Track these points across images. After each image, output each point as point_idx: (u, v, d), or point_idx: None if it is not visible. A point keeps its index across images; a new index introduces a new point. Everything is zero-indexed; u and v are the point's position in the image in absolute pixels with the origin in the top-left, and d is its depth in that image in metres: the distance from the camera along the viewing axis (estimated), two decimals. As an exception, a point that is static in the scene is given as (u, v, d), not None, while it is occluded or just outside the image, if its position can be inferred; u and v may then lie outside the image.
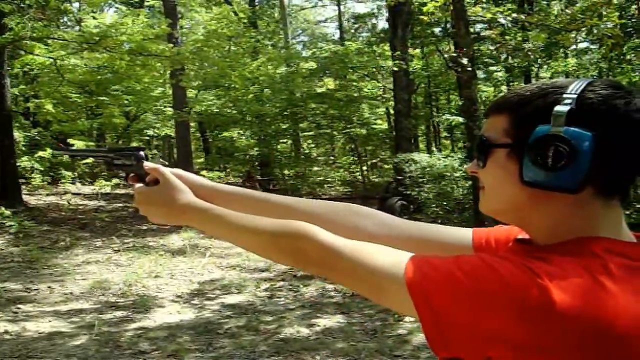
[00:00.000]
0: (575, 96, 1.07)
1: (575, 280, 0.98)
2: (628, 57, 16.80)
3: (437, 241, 1.42)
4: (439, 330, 1.01)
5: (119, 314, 8.13)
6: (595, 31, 9.69)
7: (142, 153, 1.64)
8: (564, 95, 1.08)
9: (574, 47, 19.07)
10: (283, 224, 1.28)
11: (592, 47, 18.54)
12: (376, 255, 1.14)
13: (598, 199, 1.09)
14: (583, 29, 9.92)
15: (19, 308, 8.36)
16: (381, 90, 25.42)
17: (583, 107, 1.06)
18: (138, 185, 1.56)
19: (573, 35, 10.85)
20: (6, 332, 7.28)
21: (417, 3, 17.19)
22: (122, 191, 22.01)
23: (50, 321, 7.75)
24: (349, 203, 1.59)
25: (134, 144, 32.23)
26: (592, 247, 1.06)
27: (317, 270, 1.23)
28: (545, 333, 0.95)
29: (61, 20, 25.22)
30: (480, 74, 19.21)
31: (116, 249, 12.45)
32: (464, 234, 1.42)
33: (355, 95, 22.87)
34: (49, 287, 9.62)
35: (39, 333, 7.25)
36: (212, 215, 1.39)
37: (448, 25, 20.23)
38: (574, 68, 19.46)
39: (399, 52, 17.81)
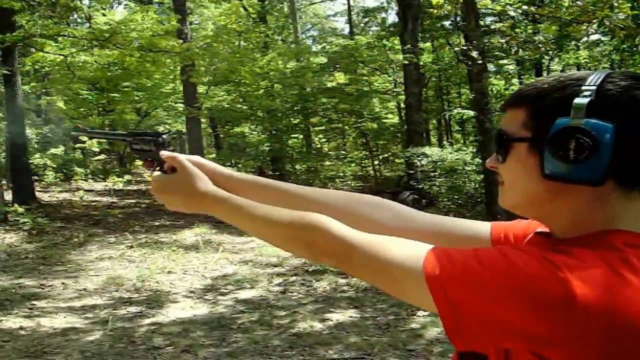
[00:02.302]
0: (594, 88, 1.06)
1: (596, 273, 0.98)
2: (640, 48, 16.68)
3: (454, 234, 1.42)
4: (457, 323, 1.01)
5: (132, 309, 8.17)
6: (607, 23, 9.63)
7: (161, 139, 1.62)
8: (583, 87, 1.07)
9: (585, 39, 18.97)
10: (298, 215, 1.27)
11: (603, 39, 18.40)
12: (393, 248, 1.13)
13: (618, 192, 1.08)
14: (594, 20, 9.86)
15: (33, 304, 8.42)
16: (392, 84, 25.35)
17: (603, 99, 1.05)
18: (156, 172, 1.56)
19: (584, 27, 10.79)
20: (21, 328, 7.33)
21: (427, -4, 17.13)
22: (135, 187, 22.10)
23: (64, 317, 7.80)
24: (365, 194, 1.59)
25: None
26: (612, 240, 1.05)
27: (332, 262, 1.22)
28: (565, 327, 0.94)
29: (71, 18, 25.30)
30: (490, 67, 19.12)
31: (129, 245, 12.50)
32: (482, 228, 1.42)
33: (366, 89, 22.83)
34: (63, 283, 9.67)
35: (54, 329, 7.30)
36: (230, 204, 1.39)
37: (458, 19, 20.12)
38: (585, 60, 19.34)
39: (409, 46, 17.76)
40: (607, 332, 0.95)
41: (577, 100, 1.06)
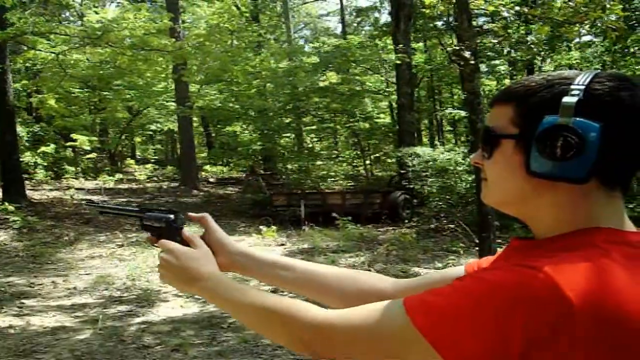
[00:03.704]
0: (583, 87, 1.07)
1: (581, 271, 0.99)
2: (632, 50, 16.75)
3: (443, 281, 1.43)
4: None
5: (122, 308, 8.14)
6: (598, 24, 9.65)
7: (172, 216, 1.62)
8: (572, 87, 1.08)
9: (577, 40, 19.01)
10: (272, 308, 1.26)
11: (595, 40, 18.46)
12: (368, 313, 1.14)
13: (601, 190, 1.10)
14: (586, 21, 9.87)
15: (23, 303, 8.38)
16: (384, 84, 25.37)
17: (590, 99, 1.06)
18: (166, 242, 1.54)
19: (576, 28, 10.81)
20: (11, 326, 7.29)
21: (419, -4, 17.14)
22: (126, 186, 22.05)
23: (54, 316, 7.77)
24: (374, 272, 1.61)
25: (137, 140, 32.27)
26: (593, 238, 1.07)
27: (318, 354, 1.20)
28: (554, 326, 0.95)
29: (63, 15, 25.25)
30: (483, 67, 19.13)
31: (120, 243, 12.46)
32: (459, 271, 1.42)
33: (358, 89, 22.83)
34: (53, 281, 9.64)
35: (43, 328, 7.26)
36: (222, 291, 1.39)
37: (450, 19, 20.15)
38: (577, 61, 19.40)
39: (401, 46, 17.77)
40: (598, 329, 0.95)
41: (565, 99, 1.07)
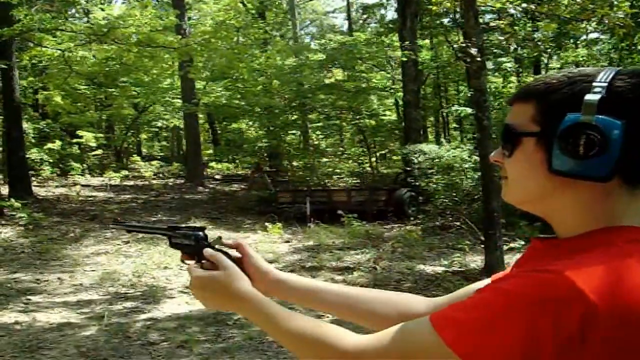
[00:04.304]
0: (605, 85, 1.06)
1: (600, 272, 0.98)
2: (639, 47, 16.67)
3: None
4: None
5: (128, 305, 8.16)
6: (606, 21, 9.61)
7: (201, 234, 1.60)
8: (594, 84, 1.07)
9: (584, 37, 18.96)
10: (309, 332, 1.27)
11: (602, 37, 18.40)
12: (397, 336, 1.14)
13: (623, 188, 1.08)
14: (594, 18, 9.84)
15: (29, 299, 8.40)
16: (390, 81, 25.33)
17: (613, 96, 1.05)
18: (195, 269, 1.52)
19: (583, 25, 10.78)
20: (17, 322, 7.32)
21: (426, -7, 17.10)
22: (131, 183, 22.07)
23: (60, 312, 7.79)
24: (409, 294, 1.58)
25: (143, 136, 32.31)
26: (615, 237, 1.05)
27: None
28: (581, 327, 0.94)
29: (69, 12, 25.25)
30: (489, 64, 19.08)
31: (125, 240, 12.48)
32: (485, 283, 1.41)
33: (364, 86, 22.80)
34: (59, 278, 9.66)
35: (50, 324, 7.28)
36: (261, 314, 1.38)
37: (457, 16, 20.11)
38: (584, 59, 19.33)
39: (407, 43, 17.73)
40: (620, 326, 0.94)
41: (588, 97, 1.06)
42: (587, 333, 0.94)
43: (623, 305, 0.95)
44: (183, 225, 1.70)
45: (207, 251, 1.53)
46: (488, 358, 0.99)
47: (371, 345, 1.16)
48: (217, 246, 1.56)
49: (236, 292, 1.43)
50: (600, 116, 1.04)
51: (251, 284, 1.47)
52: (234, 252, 1.57)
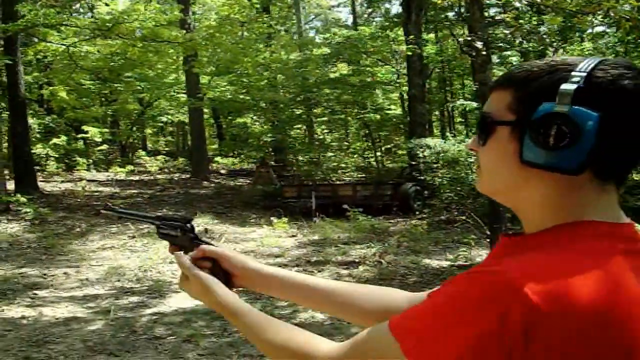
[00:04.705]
0: (584, 74, 1.02)
1: (547, 270, 0.96)
2: (645, 40, 16.61)
3: None
4: None
5: (134, 299, 8.17)
6: (612, 14, 9.56)
7: (188, 226, 1.60)
8: (573, 73, 1.03)
9: (590, 30, 18.89)
10: (285, 341, 1.28)
11: (608, 30, 18.34)
12: (364, 344, 1.14)
13: (593, 182, 1.05)
14: (600, 11, 9.79)
15: (35, 294, 8.43)
16: (395, 75, 25.29)
17: (591, 86, 1.01)
18: (182, 260, 1.52)
19: (589, 19, 10.73)
20: (24, 317, 7.34)
21: (431, -13, 17.06)
22: (137, 178, 22.10)
23: (66, 306, 7.81)
24: (391, 289, 1.55)
25: (148, 131, 32.33)
26: (577, 233, 1.04)
27: None
28: (525, 330, 0.92)
29: (73, 7, 25.26)
30: (494, 58, 19.03)
31: (131, 235, 12.50)
32: None
33: (369, 80, 22.77)
34: (65, 272, 9.68)
35: (56, 318, 7.30)
36: (238, 321, 1.40)
37: (462, 9, 20.05)
38: (590, 52, 19.27)
39: (412, 37, 17.68)
40: (565, 326, 0.92)
41: (564, 86, 1.02)
42: (530, 335, 0.92)
43: (567, 307, 0.92)
44: (170, 214, 1.69)
45: (180, 258, 1.53)
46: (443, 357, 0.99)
47: (340, 353, 1.17)
48: (201, 238, 1.57)
49: (215, 298, 1.44)
50: (575, 107, 1.00)
51: (234, 281, 1.51)
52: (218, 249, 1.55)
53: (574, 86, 1.01)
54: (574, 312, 0.92)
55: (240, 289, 1.55)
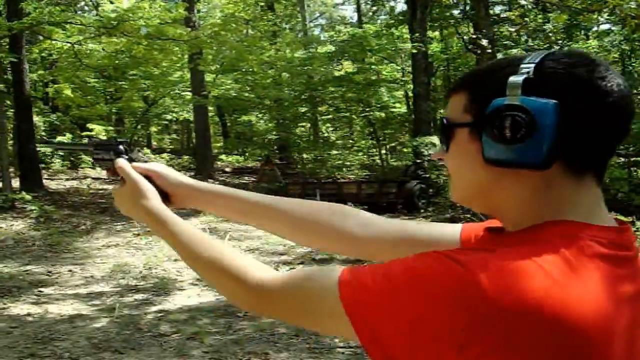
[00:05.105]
0: (532, 65, 1.00)
1: (514, 269, 0.91)
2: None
3: (425, 241, 1.34)
4: (379, 347, 0.96)
5: (139, 297, 8.18)
6: (618, 12, 9.54)
7: (121, 147, 1.55)
8: (522, 66, 1.01)
9: (595, 28, 18.85)
10: (217, 259, 1.21)
11: (614, 28, 18.29)
12: (305, 280, 1.08)
13: (568, 177, 1.01)
14: (605, 9, 9.78)
15: (41, 291, 8.44)
16: (400, 73, 25.28)
17: (542, 77, 0.99)
18: (114, 184, 1.49)
19: (595, 17, 10.71)
20: (29, 314, 7.35)
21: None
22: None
23: (71, 304, 7.82)
24: (334, 203, 1.49)
25: (153, 129, 32.38)
26: (552, 232, 0.98)
27: (254, 313, 1.18)
28: (469, 326, 0.88)
29: (78, 5, 25.30)
30: (500, 56, 19.01)
31: (136, 232, 12.52)
32: (451, 231, 1.34)
33: (374, 78, 22.77)
34: (70, 270, 9.70)
35: (61, 316, 7.31)
36: (167, 231, 1.34)
37: (467, 7, 20.03)
38: (595, 50, 19.22)
39: (417, 35, 17.69)
40: (514, 327, 0.88)
41: (512, 79, 0.99)
42: (477, 333, 0.88)
43: (522, 306, 0.88)
44: (105, 139, 1.65)
45: (118, 162, 1.51)
46: (372, 330, 0.95)
47: (275, 283, 1.11)
48: (135, 158, 1.54)
49: (141, 206, 1.41)
50: (527, 97, 0.97)
51: (167, 198, 1.45)
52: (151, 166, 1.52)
53: (522, 77, 0.99)
54: (529, 314, 0.88)
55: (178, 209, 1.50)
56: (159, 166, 1.52)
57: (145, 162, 1.53)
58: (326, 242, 1.43)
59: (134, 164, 1.51)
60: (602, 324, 0.91)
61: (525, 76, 0.99)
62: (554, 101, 0.96)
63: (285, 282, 1.11)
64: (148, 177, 1.48)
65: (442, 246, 1.23)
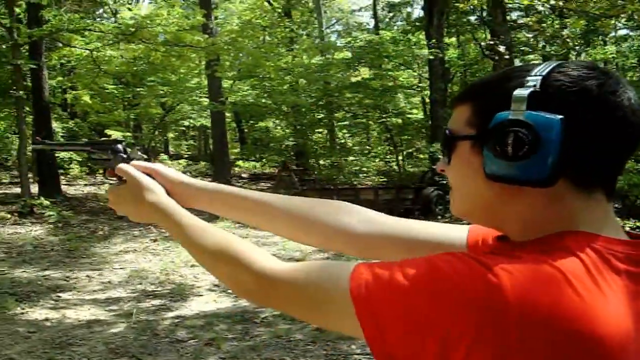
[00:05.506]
0: (539, 78, 0.97)
1: (539, 276, 0.89)
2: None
3: (430, 241, 1.31)
4: (385, 345, 0.94)
5: (156, 302, 8.21)
6: (636, 17, 9.50)
7: (119, 146, 1.55)
8: (528, 78, 0.98)
9: (613, 34, 18.75)
10: (223, 246, 1.19)
11: (632, 34, 18.19)
12: (314, 273, 1.06)
13: (576, 192, 0.98)
14: (623, 15, 9.73)
15: (59, 296, 8.49)
16: (417, 79, 25.25)
17: (549, 90, 0.96)
18: (111, 184, 1.50)
19: (612, 22, 10.65)
20: (47, 319, 7.40)
21: (453, -9, 17.03)
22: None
23: (89, 309, 7.86)
24: (334, 200, 1.47)
25: (171, 135, 32.50)
26: (568, 241, 0.95)
27: (258, 302, 1.16)
28: (495, 333, 0.86)
29: (97, 13, 25.48)
30: (517, 62, 18.94)
31: (153, 238, 12.57)
32: (457, 233, 1.31)
33: (391, 84, 22.75)
34: (88, 275, 9.75)
35: (79, 321, 7.35)
36: (173, 222, 1.33)
37: (484, 13, 19.99)
38: (613, 55, 19.11)
39: (434, 41, 17.67)
40: (544, 339, 0.86)
41: (517, 92, 0.96)
42: (493, 337, 0.86)
43: (542, 314, 0.86)
44: (102, 139, 1.65)
45: (119, 167, 1.50)
46: (386, 323, 0.93)
47: (285, 271, 1.09)
48: (134, 157, 1.54)
49: (146, 200, 1.40)
50: (532, 112, 0.94)
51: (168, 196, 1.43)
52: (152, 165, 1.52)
53: (528, 90, 0.96)
54: (549, 324, 0.86)
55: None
56: (159, 165, 1.53)
57: (146, 160, 1.54)
58: (326, 238, 1.41)
59: (134, 162, 1.53)
60: (622, 340, 0.90)
61: (531, 89, 0.96)
62: (559, 116, 0.93)
63: (296, 270, 1.09)
64: (148, 175, 1.49)
65: (447, 247, 1.23)
